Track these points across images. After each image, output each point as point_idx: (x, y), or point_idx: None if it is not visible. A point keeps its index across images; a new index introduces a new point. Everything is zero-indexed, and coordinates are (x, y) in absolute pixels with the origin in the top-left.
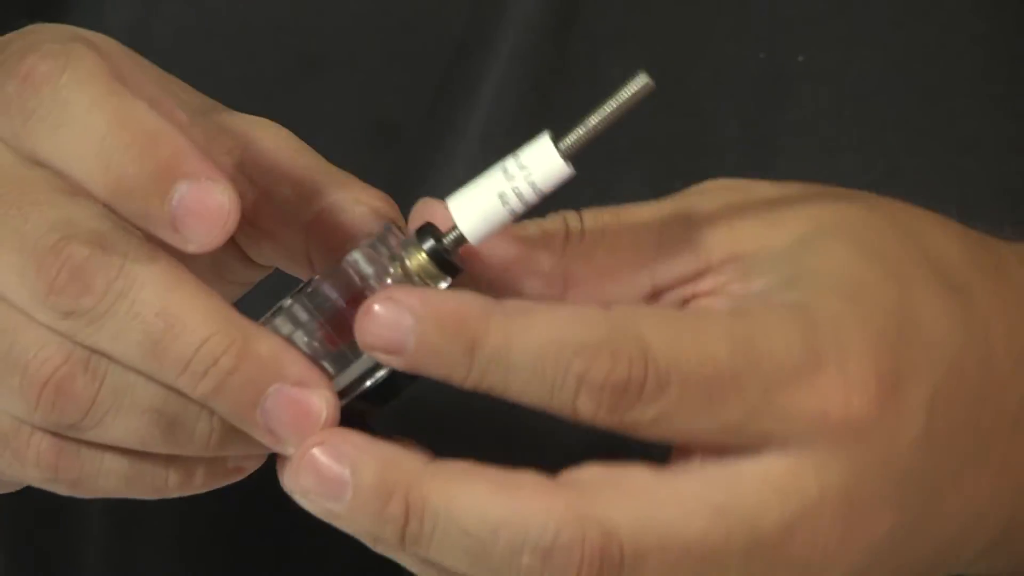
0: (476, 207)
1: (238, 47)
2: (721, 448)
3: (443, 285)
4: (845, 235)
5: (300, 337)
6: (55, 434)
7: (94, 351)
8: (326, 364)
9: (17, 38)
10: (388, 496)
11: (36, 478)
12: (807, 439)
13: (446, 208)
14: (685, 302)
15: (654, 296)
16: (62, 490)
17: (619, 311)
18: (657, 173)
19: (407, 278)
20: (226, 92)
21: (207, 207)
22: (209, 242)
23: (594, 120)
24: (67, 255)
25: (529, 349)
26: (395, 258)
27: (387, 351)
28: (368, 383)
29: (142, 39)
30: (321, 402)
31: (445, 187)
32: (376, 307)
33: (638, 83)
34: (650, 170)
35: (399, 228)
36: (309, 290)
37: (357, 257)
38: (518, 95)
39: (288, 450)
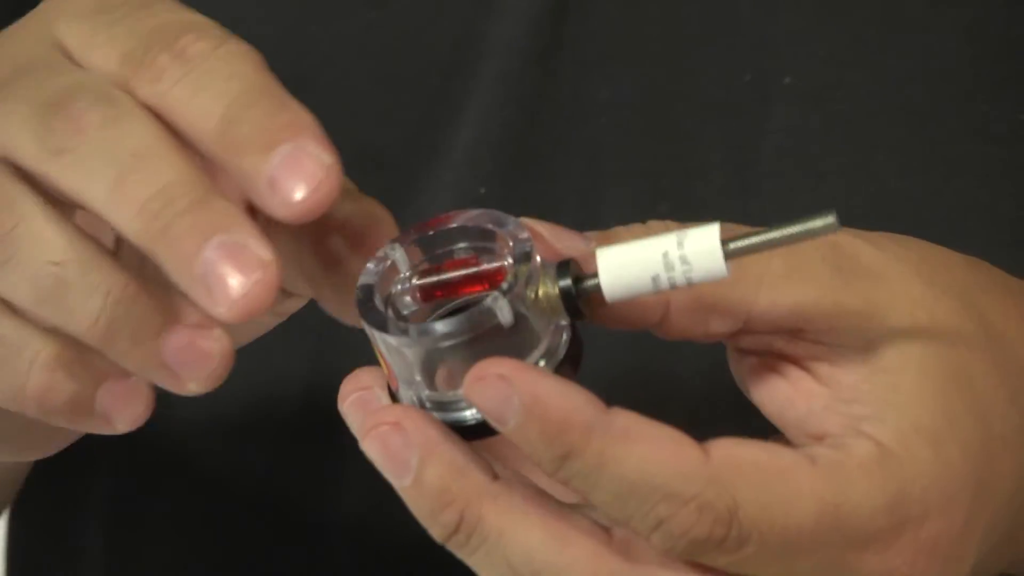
0: (625, 273)
1: None
2: None
3: (562, 323)
4: (939, 357)
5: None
6: None
7: (59, 189)
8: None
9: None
10: (446, 504)
11: None
12: None
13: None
14: (768, 354)
15: (743, 332)
16: None
17: (719, 463)
18: (642, 195)
19: (535, 303)
20: None
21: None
22: (306, 207)
23: (769, 236)
24: (68, 107)
25: (619, 479)
26: (531, 282)
27: (488, 416)
28: (453, 414)
29: None
30: (262, 254)
31: (431, 211)
32: (489, 376)
33: (826, 220)
34: (635, 192)
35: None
36: (477, 310)
37: (506, 289)
38: (504, 119)
39: (221, 312)
